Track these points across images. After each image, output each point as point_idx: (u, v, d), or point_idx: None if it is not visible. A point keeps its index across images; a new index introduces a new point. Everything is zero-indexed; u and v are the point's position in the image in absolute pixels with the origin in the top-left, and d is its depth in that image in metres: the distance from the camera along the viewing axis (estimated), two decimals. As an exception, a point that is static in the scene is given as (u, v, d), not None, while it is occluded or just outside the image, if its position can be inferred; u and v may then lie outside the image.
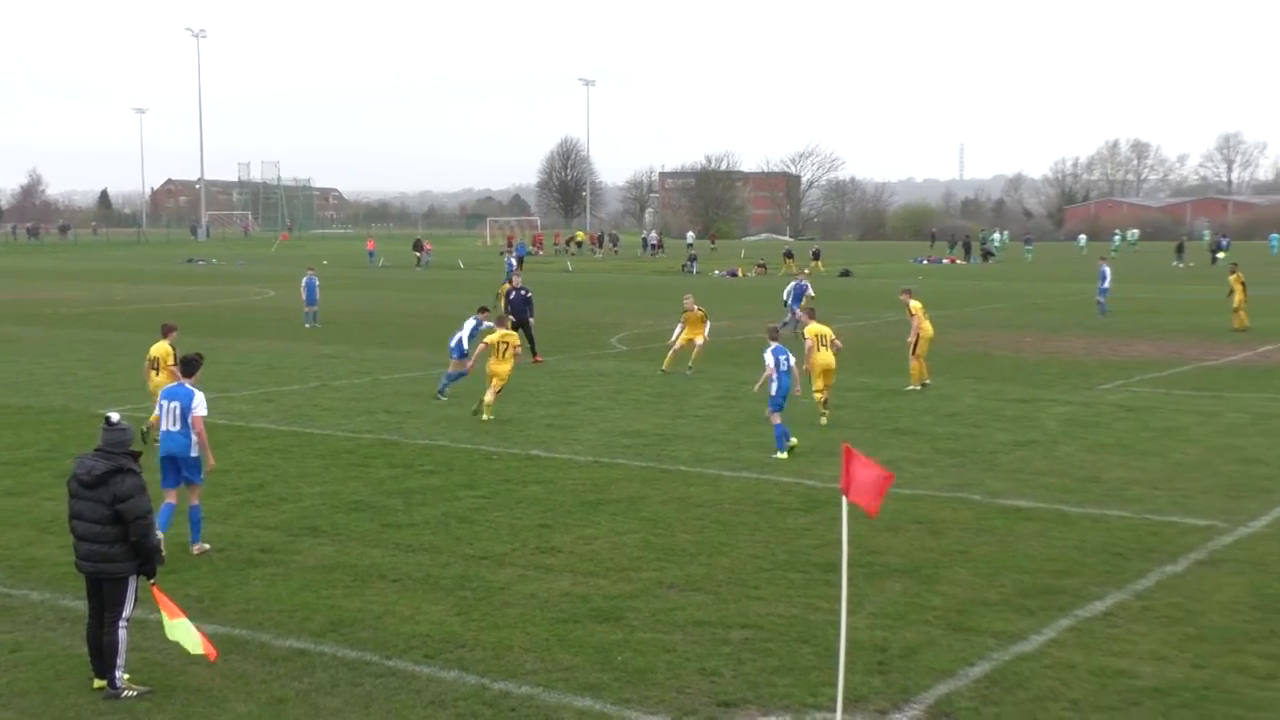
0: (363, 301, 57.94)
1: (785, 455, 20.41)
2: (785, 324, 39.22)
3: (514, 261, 64.54)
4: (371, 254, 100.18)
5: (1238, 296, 42.87)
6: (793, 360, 21.06)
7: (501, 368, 25.06)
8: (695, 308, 32.79)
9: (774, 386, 20.80)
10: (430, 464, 19.91)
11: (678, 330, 32.78)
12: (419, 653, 11.35)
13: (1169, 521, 16.06)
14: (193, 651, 10.45)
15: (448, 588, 13.35)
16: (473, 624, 12.15)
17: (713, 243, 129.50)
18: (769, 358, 21.01)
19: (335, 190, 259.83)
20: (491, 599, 12.94)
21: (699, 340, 32.27)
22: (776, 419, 20.74)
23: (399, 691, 10.44)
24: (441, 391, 27.33)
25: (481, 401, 24.82)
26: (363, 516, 16.50)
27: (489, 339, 25.69)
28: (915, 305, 29.10)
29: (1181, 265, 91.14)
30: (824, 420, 23.79)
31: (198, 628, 10.64)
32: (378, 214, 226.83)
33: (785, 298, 41.44)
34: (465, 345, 27.64)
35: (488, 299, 39.24)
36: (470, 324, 28.02)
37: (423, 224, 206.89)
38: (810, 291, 42.46)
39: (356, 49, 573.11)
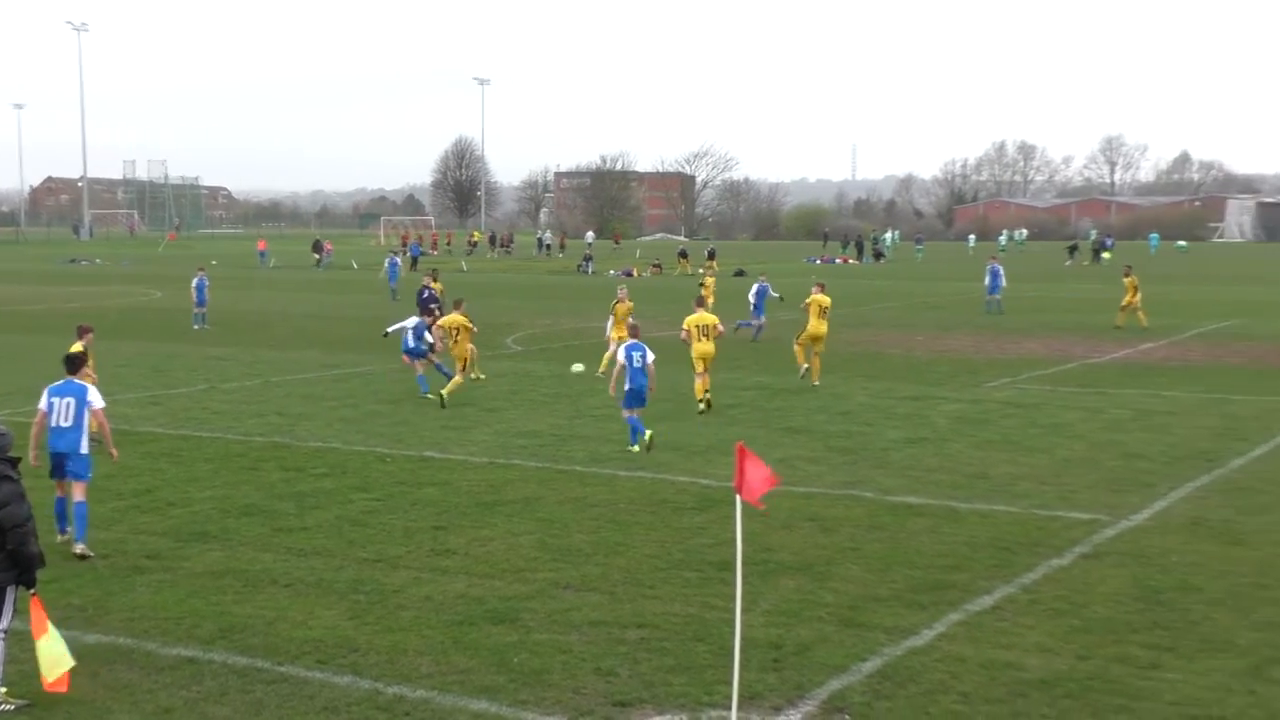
0: (254, 302, 57.13)
1: (637, 449, 20.66)
2: (746, 325, 40.20)
3: (398, 261, 64.24)
4: (263, 254, 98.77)
5: (1128, 296, 44.10)
6: (649, 358, 21.30)
7: (459, 349, 26.66)
8: (628, 299, 32.04)
9: (625, 383, 21.30)
10: (323, 467, 19.68)
11: (609, 326, 31.49)
12: (311, 658, 11.21)
13: (1055, 516, 16.39)
14: (46, 675, 10.15)
15: (341, 591, 13.20)
16: (366, 628, 12.03)
17: (616, 242, 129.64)
18: (620, 355, 21.48)
19: (224, 189, 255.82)
20: (386, 602, 12.82)
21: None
22: (627, 414, 21.15)
23: (291, 698, 10.30)
24: (426, 393, 27.15)
25: (453, 381, 26.39)
26: (254, 521, 16.26)
27: (442, 323, 27.51)
28: (813, 299, 29.68)
29: (1073, 264, 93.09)
30: (701, 408, 24.44)
31: (76, 642, 10.38)
32: (269, 213, 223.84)
33: (750, 299, 41.18)
34: (412, 343, 27.87)
35: (390, 300, 38.84)
36: (413, 321, 28.38)
37: (315, 224, 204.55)
38: (773, 293, 42.89)
39: (246, 45, 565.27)
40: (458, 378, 26.54)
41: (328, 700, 10.24)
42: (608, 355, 30.69)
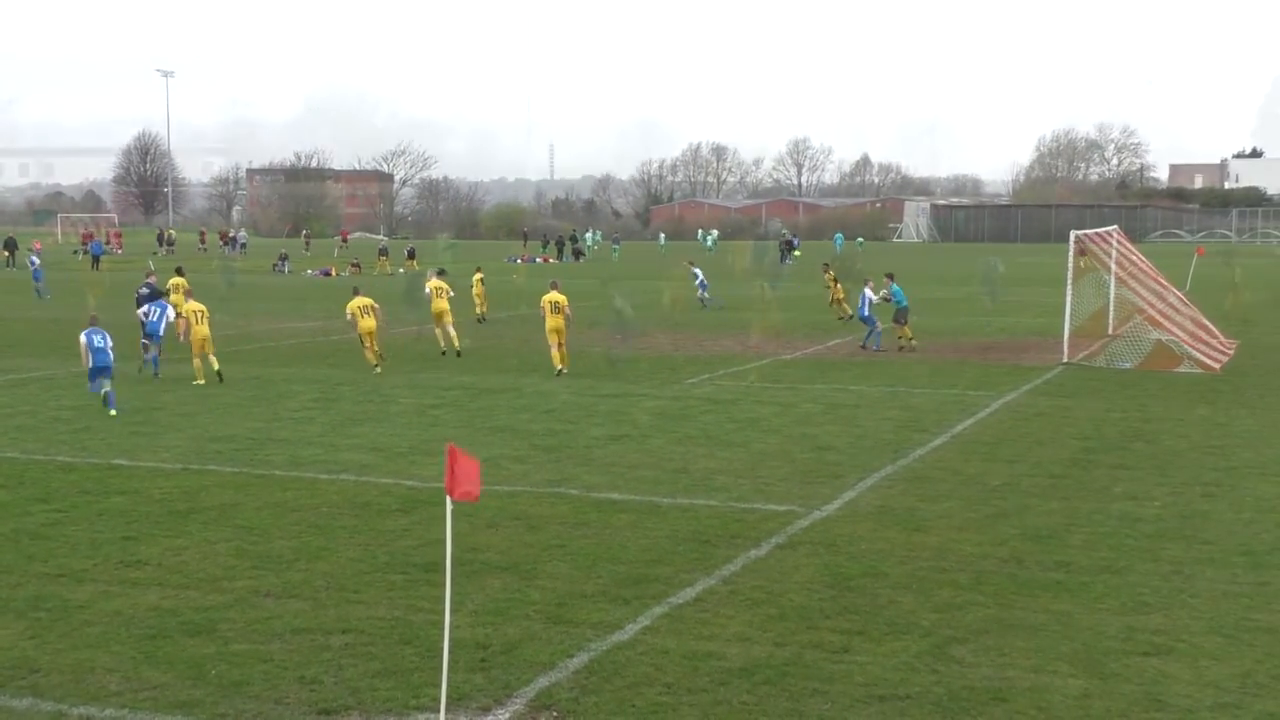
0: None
1: (115, 413, 24.01)
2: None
3: (36, 259, 63.06)
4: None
5: (833, 291, 47.63)
6: (109, 341, 24.80)
7: (366, 324, 30.81)
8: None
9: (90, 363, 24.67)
10: (-1, 477, 18.56)
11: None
12: (-12, 681, 10.54)
13: (752, 508, 16.91)
14: None
15: (19, 609, 12.48)
16: (49, 646, 11.40)
17: (306, 245, 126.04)
18: (82, 339, 24.81)
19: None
20: (70, 619, 12.19)
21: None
22: (93, 387, 24.75)
23: (-34, 725, 9.67)
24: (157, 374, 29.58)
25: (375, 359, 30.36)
26: (-79, 537, 15.18)
27: (351, 305, 31.09)
28: (546, 298, 31.15)
29: (789, 264, 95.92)
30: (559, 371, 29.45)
31: None
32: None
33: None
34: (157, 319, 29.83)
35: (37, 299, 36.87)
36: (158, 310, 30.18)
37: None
38: (701, 284, 52.24)
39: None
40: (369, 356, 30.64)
41: (8, 725, 9.67)
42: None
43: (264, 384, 29.17)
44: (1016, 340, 39.61)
